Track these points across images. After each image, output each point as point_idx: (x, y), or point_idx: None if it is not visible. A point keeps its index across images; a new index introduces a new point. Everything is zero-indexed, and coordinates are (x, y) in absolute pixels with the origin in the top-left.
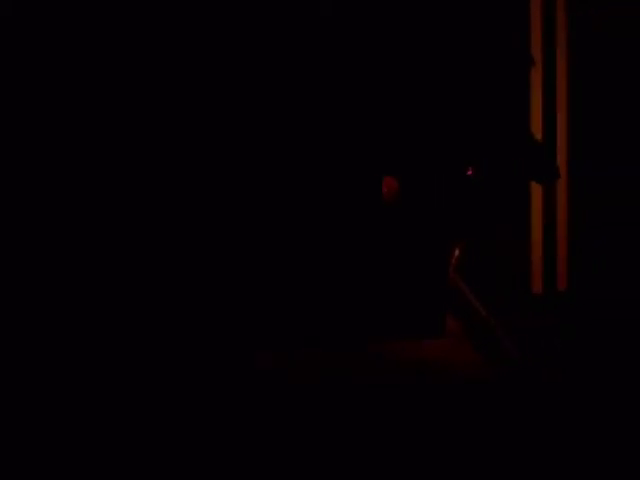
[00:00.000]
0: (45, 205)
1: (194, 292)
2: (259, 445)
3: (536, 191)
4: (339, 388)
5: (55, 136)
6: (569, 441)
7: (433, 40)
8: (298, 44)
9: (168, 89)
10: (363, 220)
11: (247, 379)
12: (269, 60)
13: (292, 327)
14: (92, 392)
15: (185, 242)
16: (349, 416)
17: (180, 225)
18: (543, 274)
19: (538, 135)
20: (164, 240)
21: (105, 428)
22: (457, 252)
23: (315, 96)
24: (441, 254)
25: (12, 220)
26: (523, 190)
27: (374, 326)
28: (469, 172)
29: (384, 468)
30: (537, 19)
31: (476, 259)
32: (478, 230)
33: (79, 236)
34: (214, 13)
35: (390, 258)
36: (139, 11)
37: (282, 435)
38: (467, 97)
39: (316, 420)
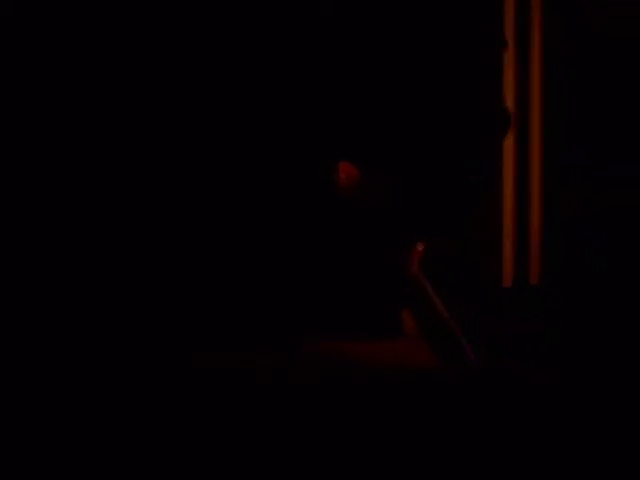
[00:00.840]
0: (43, 204)
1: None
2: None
3: (507, 178)
4: (282, 389)
5: (55, 136)
6: (527, 446)
7: (412, 29)
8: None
9: (166, 88)
10: (313, 211)
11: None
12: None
13: (240, 325)
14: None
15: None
16: (293, 419)
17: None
18: (514, 267)
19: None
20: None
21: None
22: (420, 247)
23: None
24: (398, 249)
25: (11, 220)
26: (493, 178)
27: (324, 324)
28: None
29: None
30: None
31: (443, 252)
32: (443, 223)
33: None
34: (211, 11)
35: (342, 252)
36: (139, 11)
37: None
38: (436, 83)
39: (259, 424)
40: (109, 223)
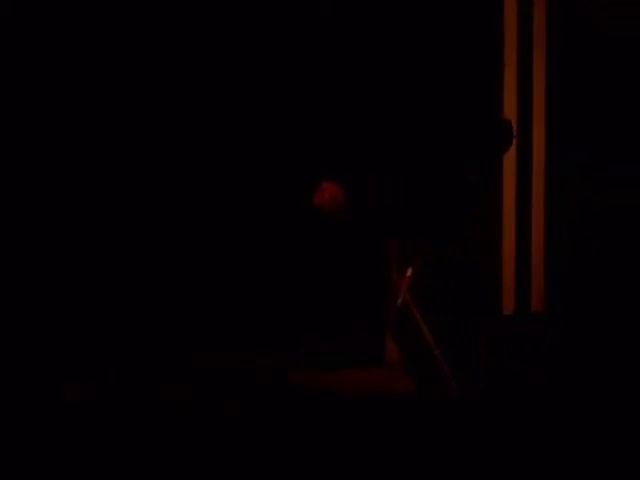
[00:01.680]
0: (45, 205)
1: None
2: None
3: (508, 197)
4: (265, 419)
5: (55, 136)
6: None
7: (414, 38)
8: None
9: (164, 88)
10: (296, 232)
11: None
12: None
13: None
14: None
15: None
16: (273, 446)
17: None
18: (516, 293)
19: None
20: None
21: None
22: (410, 271)
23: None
24: (383, 274)
25: (9, 220)
26: (494, 196)
27: (306, 353)
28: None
29: None
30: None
31: (439, 275)
32: (436, 246)
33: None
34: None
35: (325, 277)
36: (139, 11)
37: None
38: (437, 88)
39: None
40: (112, 225)
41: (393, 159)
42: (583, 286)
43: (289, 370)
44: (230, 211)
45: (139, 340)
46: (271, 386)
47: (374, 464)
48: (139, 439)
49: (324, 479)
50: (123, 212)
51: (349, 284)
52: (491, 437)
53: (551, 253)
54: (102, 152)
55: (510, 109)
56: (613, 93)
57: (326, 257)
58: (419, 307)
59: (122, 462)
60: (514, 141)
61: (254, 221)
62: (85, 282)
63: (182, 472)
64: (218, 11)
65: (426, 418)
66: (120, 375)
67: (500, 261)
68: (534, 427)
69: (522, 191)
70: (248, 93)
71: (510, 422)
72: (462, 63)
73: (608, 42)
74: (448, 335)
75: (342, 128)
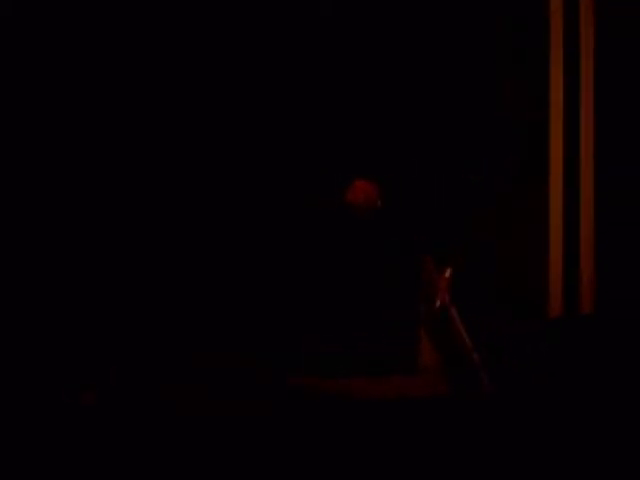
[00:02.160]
0: (39, 203)
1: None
2: None
3: (555, 195)
4: (294, 424)
5: (55, 136)
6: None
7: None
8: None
9: (167, 88)
10: (326, 236)
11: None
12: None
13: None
14: None
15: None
16: (300, 453)
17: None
18: (563, 294)
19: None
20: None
21: None
22: (449, 272)
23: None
24: (416, 278)
25: (9, 220)
26: (541, 194)
27: (335, 360)
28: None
29: None
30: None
31: (482, 277)
32: (472, 246)
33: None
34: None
35: (356, 282)
36: (139, 11)
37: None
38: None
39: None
40: (112, 225)
41: (421, 158)
42: (635, 288)
43: (320, 377)
44: (244, 209)
45: (139, 340)
46: (294, 391)
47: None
48: (139, 440)
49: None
50: (124, 212)
51: (380, 287)
52: (532, 441)
53: (601, 253)
54: (102, 152)
55: (556, 103)
56: None
57: (356, 258)
58: (458, 309)
59: (123, 462)
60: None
61: (275, 219)
62: (85, 282)
63: (183, 473)
64: (219, 10)
65: (461, 422)
66: (120, 376)
67: (547, 262)
68: (584, 434)
69: (570, 188)
70: (278, 91)
71: (560, 427)
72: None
73: None
74: (489, 339)
75: (376, 126)
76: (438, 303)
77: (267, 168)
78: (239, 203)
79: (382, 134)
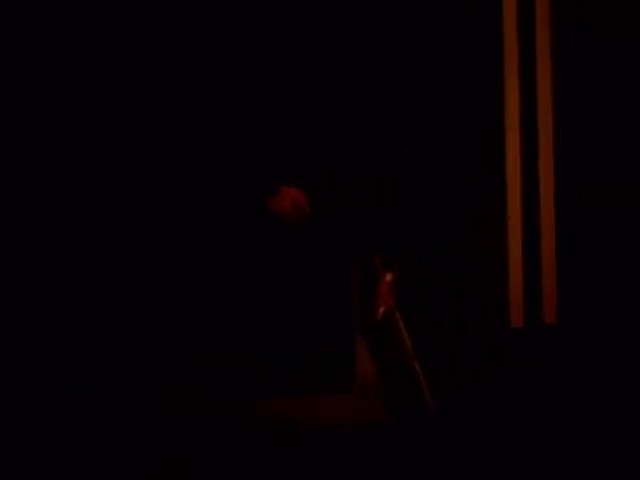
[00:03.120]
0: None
1: None
2: None
3: (513, 198)
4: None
5: (54, 136)
6: None
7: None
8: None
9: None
10: (248, 247)
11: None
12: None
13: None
14: None
15: None
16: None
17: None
18: (524, 302)
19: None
20: None
21: None
22: (389, 277)
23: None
24: (348, 286)
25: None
26: (498, 196)
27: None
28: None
29: None
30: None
31: (436, 284)
32: (419, 249)
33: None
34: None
35: (285, 290)
36: (139, 11)
37: None
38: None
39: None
40: (106, 226)
41: (358, 164)
42: (600, 294)
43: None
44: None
45: (138, 340)
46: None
47: None
48: (138, 440)
49: None
50: (120, 212)
51: (309, 296)
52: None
53: (564, 259)
54: (82, 153)
55: (512, 107)
56: (622, 89)
57: (284, 268)
58: (405, 318)
59: (122, 463)
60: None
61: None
62: (83, 282)
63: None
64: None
65: (402, 446)
66: (120, 375)
67: (506, 268)
68: (545, 444)
69: (529, 191)
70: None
71: (516, 439)
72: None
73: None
74: (444, 350)
75: (305, 130)
76: (381, 310)
77: (194, 173)
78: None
79: (311, 136)
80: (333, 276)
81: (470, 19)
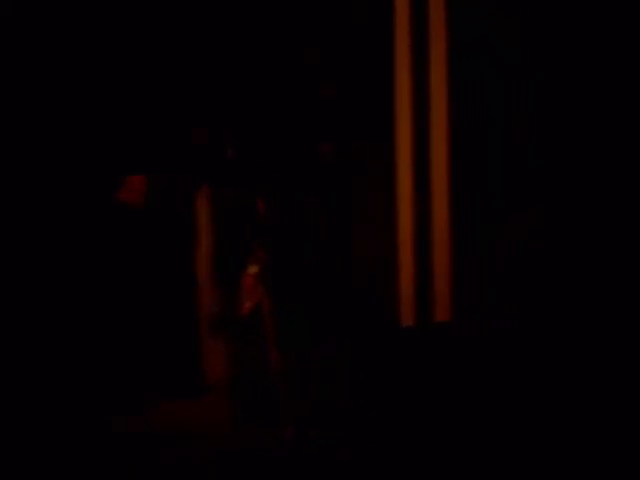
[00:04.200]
0: None
1: None
2: None
3: (404, 193)
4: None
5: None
6: None
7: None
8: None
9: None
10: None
11: None
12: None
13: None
14: None
15: None
16: None
17: None
18: (416, 301)
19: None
20: None
21: None
22: (253, 270)
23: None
24: (192, 281)
25: None
26: (388, 190)
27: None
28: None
29: None
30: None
31: (321, 281)
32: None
33: None
34: None
35: (125, 294)
36: (139, 11)
37: None
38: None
39: None
40: None
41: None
42: (495, 292)
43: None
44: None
45: None
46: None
47: None
48: None
49: None
50: None
51: (152, 294)
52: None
53: (458, 255)
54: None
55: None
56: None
57: (127, 261)
58: (277, 316)
59: None
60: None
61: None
62: None
63: None
64: None
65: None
66: None
67: (397, 265)
68: (439, 448)
69: (421, 182)
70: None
71: (406, 444)
72: None
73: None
74: (330, 351)
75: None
76: (247, 305)
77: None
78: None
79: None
80: (177, 274)
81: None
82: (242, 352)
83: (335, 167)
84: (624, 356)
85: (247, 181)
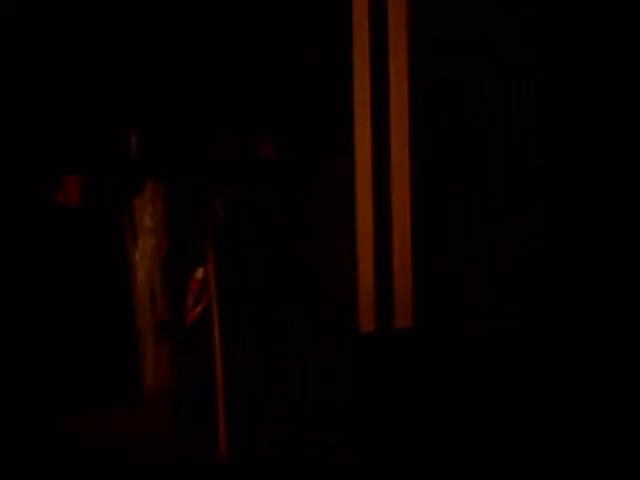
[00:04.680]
0: None
1: None
2: None
3: (363, 188)
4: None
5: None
6: None
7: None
8: None
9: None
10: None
11: None
12: None
13: None
14: None
15: None
16: None
17: None
18: (376, 306)
19: None
20: None
21: None
22: (200, 274)
23: None
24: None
25: None
26: (347, 189)
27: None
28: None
29: None
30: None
31: (273, 285)
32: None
33: None
34: None
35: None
36: (139, 12)
37: None
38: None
39: None
40: None
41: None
42: (458, 297)
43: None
44: None
45: None
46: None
47: None
48: None
49: None
50: None
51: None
52: None
53: (420, 260)
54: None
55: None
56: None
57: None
58: (226, 320)
59: None
60: None
61: None
62: None
63: None
64: None
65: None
66: None
67: (355, 268)
68: (400, 459)
69: (380, 186)
70: None
71: (367, 457)
72: None
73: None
74: (285, 360)
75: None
76: (197, 310)
77: None
78: None
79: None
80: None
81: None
82: (186, 360)
83: (290, 167)
84: (623, 356)
85: (198, 180)
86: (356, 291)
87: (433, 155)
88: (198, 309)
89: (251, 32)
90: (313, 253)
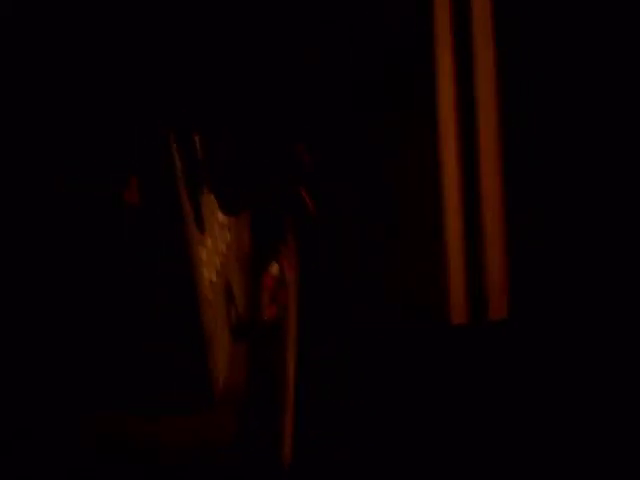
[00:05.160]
0: None
1: None
2: None
3: (451, 174)
4: None
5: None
6: None
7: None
8: None
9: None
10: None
11: None
12: None
13: None
14: None
15: None
16: None
17: None
18: (467, 297)
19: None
20: None
21: None
22: (275, 270)
23: None
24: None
25: None
26: (435, 178)
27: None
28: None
29: None
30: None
31: (360, 277)
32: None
33: None
34: None
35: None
36: (139, 12)
37: None
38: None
39: None
40: None
41: None
42: (553, 289)
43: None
44: None
45: None
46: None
47: None
48: None
49: None
50: None
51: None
52: None
53: (513, 249)
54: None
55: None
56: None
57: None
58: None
59: None
60: None
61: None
62: None
63: None
64: None
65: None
66: None
67: (445, 259)
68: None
69: (470, 172)
70: None
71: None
72: None
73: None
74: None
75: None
76: (273, 310)
77: None
78: None
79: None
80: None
81: None
82: (258, 362)
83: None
84: (626, 357)
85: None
86: (447, 282)
87: (524, 141)
88: (274, 308)
89: (299, 42)
90: (401, 241)
